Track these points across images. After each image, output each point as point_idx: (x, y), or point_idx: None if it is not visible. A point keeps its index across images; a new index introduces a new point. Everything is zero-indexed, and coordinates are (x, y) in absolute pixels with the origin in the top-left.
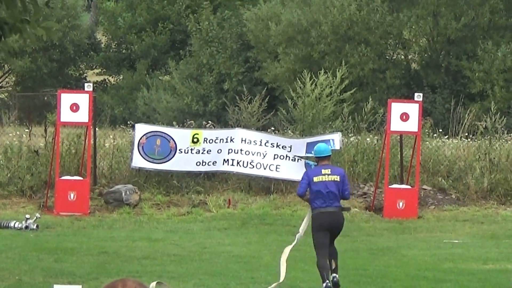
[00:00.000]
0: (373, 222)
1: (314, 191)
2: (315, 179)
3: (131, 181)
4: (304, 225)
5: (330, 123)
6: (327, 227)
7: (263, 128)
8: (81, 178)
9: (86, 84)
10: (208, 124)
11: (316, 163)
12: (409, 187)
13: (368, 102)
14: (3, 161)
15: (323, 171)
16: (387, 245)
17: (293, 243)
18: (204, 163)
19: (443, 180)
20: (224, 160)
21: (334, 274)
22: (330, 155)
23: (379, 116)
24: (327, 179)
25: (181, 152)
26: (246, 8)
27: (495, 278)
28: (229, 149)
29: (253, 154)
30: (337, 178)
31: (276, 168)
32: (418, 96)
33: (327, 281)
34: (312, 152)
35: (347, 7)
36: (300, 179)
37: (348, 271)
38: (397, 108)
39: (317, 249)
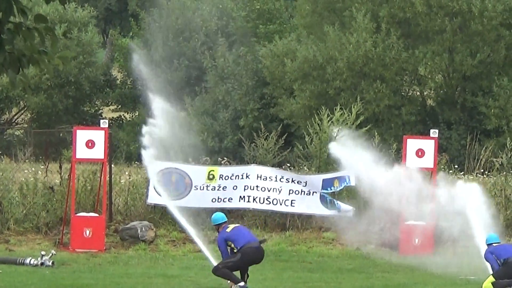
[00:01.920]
0: (388, 259)
1: (235, 235)
2: (229, 229)
3: (146, 218)
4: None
5: None
6: (251, 262)
7: (279, 165)
8: (97, 215)
9: (101, 121)
10: (224, 161)
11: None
12: (424, 223)
13: (375, 137)
14: (18, 197)
15: (230, 225)
16: (403, 281)
17: None
18: (220, 200)
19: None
20: (240, 196)
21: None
22: (226, 220)
23: (392, 151)
24: (237, 224)
25: (197, 188)
26: (262, 44)
27: None
28: (245, 186)
29: (269, 190)
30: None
31: (291, 203)
32: (434, 133)
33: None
34: (211, 220)
35: (363, 43)
36: (219, 249)
37: None
38: (412, 144)
39: (228, 269)
